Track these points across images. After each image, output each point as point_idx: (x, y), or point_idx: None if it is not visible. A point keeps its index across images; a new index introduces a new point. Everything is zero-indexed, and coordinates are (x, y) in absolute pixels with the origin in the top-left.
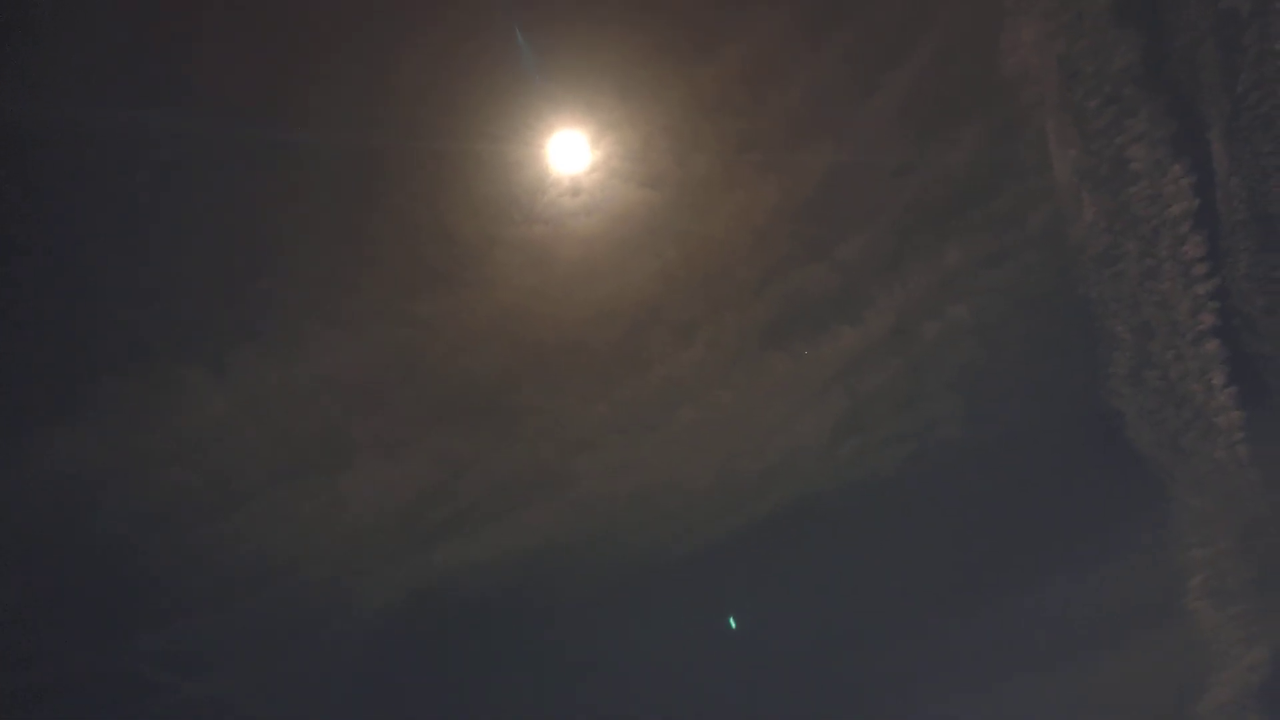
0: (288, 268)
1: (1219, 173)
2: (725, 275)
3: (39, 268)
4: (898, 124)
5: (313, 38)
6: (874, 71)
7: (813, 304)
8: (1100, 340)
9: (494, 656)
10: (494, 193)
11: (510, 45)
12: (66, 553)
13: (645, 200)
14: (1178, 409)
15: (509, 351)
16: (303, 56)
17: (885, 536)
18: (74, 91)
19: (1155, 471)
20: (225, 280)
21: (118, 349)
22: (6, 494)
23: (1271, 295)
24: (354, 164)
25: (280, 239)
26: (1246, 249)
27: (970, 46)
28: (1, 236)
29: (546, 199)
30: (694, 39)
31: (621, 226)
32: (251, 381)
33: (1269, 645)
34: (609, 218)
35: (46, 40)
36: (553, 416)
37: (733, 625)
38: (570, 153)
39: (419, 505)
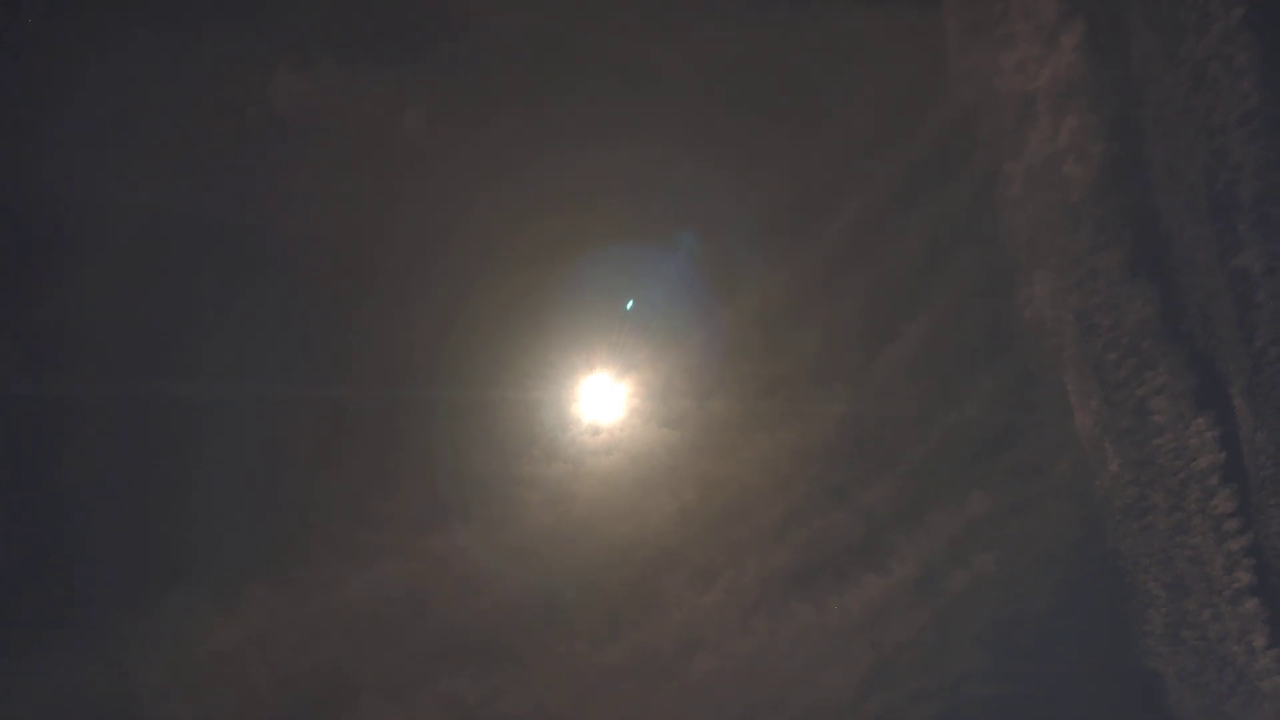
0: (305, 501)
1: (1243, 428)
2: (746, 519)
3: (49, 492)
4: (916, 372)
5: (343, 295)
6: (891, 320)
7: (836, 551)
8: (1133, 596)
9: None
10: (515, 430)
11: (534, 287)
12: None
13: (665, 440)
14: (1219, 672)
15: (521, 591)
16: (333, 314)
17: None
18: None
19: None
20: (241, 511)
21: (127, 576)
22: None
23: None
24: (375, 407)
25: (299, 473)
26: (1277, 505)
27: (985, 299)
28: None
29: (567, 437)
30: (713, 283)
31: (641, 466)
32: (259, 614)
33: None
34: (629, 457)
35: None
36: (565, 660)
37: None
38: (592, 392)
39: None
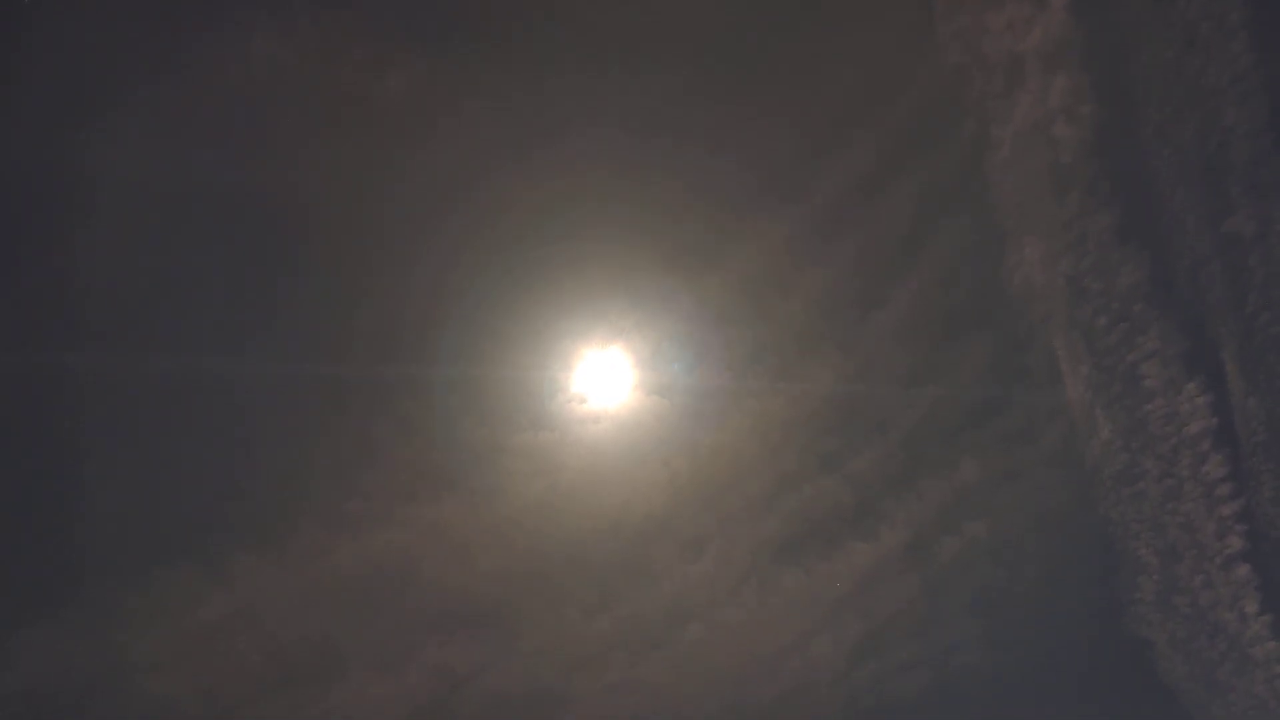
0: (292, 472)
1: (1235, 393)
2: (734, 487)
3: (38, 467)
4: (905, 339)
5: (327, 267)
6: (879, 286)
7: (825, 519)
8: (1124, 563)
9: None
10: (501, 399)
11: (517, 256)
12: None
13: (654, 408)
14: (1211, 639)
15: (510, 561)
16: (315, 286)
17: None
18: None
19: (1190, 706)
20: (229, 483)
21: (112, 549)
22: None
23: None
24: (361, 378)
25: (286, 444)
26: (1270, 470)
27: (974, 264)
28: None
29: (554, 405)
30: (700, 250)
31: (629, 434)
32: (246, 585)
33: None
34: (617, 425)
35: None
36: (553, 631)
37: None
38: (579, 360)
39: None
